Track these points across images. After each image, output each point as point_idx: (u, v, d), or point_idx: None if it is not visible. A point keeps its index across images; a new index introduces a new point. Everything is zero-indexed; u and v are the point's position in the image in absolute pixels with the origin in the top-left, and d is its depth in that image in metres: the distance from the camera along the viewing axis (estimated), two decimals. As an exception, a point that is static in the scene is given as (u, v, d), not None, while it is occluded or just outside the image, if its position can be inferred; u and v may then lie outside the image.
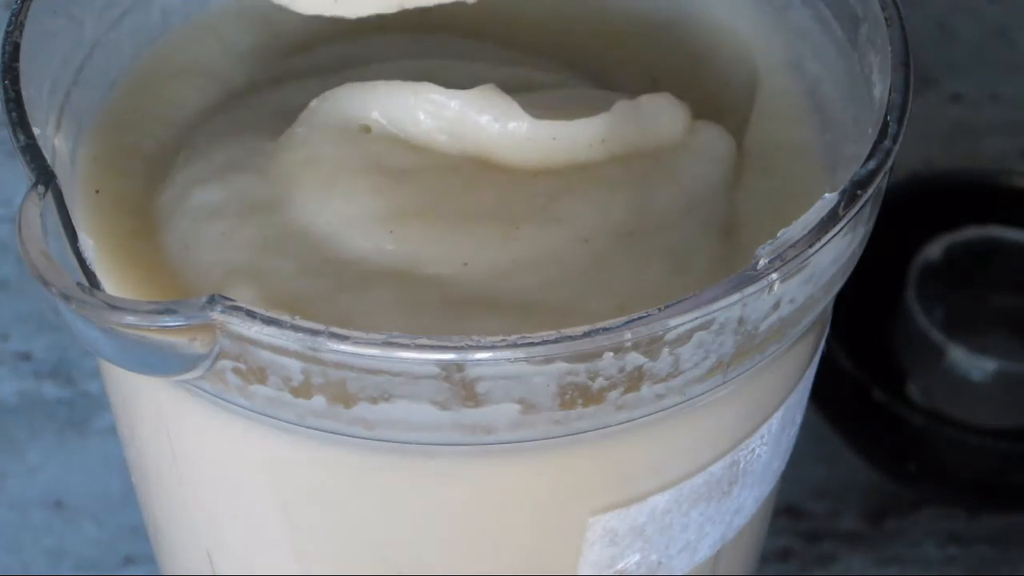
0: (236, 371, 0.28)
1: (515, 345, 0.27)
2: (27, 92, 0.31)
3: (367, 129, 0.33)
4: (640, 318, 0.28)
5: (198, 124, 0.35)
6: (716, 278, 0.29)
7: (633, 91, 0.35)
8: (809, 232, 0.29)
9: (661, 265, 0.31)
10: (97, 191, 0.33)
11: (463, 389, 0.28)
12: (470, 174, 0.32)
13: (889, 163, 0.30)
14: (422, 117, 0.33)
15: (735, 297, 0.28)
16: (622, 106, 0.33)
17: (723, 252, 0.32)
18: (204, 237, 0.32)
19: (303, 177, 0.32)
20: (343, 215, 0.32)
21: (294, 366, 0.28)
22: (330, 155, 0.33)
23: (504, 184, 0.32)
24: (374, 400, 0.28)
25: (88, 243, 0.30)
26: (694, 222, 0.32)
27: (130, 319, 0.28)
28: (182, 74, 0.36)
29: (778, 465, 0.35)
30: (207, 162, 0.33)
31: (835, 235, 0.29)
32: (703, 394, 0.30)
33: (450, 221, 0.32)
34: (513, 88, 0.33)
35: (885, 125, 0.30)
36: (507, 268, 0.31)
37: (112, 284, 0.31)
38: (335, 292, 0.31)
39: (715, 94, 0.36)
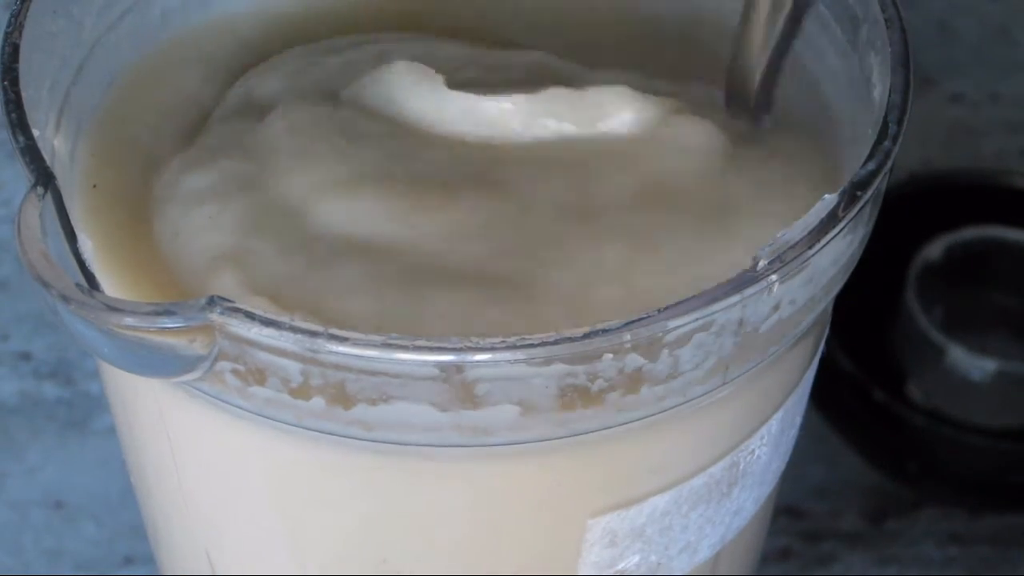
0: (235, 372, 0.28)
1: (514, 347, 0.27)
2: (26, 93, 0.31)
3: (335, 99, 0.34)
4: (639, 319, 0.28)
5: (197, 117, 0.35)
6: (690, 264, 0.29)
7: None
8: (809, 233, 0.29)
9: (620, 246, 0.31)
10: (95, 185, 0.33)
11: (462, 390, 0.28)
12: (421, 139, 0.33)
13: (889, 164, 0.30)
14: (369, 89, 0.34)
15: (735, 298, 0.28)
16: (556, 92, 0.33)
17: (708, 241, 0.32)
18: (193, 222, 0.32)
19: (280, 147, 0.33)
20: (310, 182, 0.32)
21: (293, 367, 0.28)
22: (306, 124, 0.33)
23: (450, 150, 0.33)
24: (373, 401, 0.28)
25: (87, 244, 0.30)
26: (662, 209, 0.32)
27: (129, 320, 0.28)
28: (184, 67, 0.36)
29: (778, 466, 0.35)
30: (197, 147, 0.34)
31: (835, 236, 0.29)
32: (703, 395, 0.30)
33: (397, 185, 0.32)
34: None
35: (885, 126, 0.30)
36: (452, 233, 0.31)
37: (111, 280, 0.31)
38: (308, 273, 0.31)
39: (714, 92, 0.36)
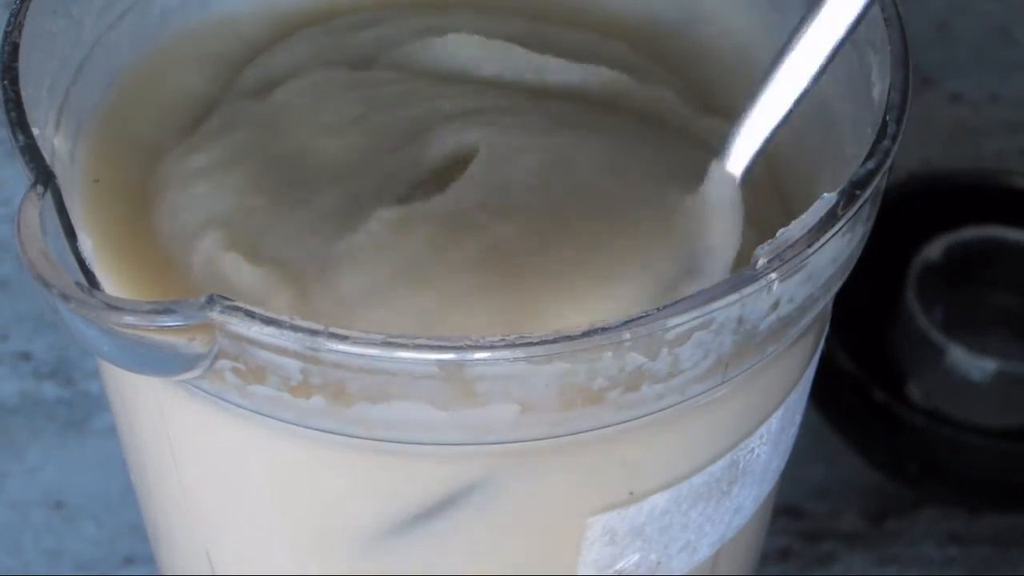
0: (235, 371, 0.28)
1: (514, 345, 0.27)
2: (26, 92, 0.31)
3: (369, 66, 0.35)
4: (639, 318, 0.28)
5: (198, 114, 0.35)
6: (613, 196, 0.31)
7: None
8: (808, 232, 0.29)
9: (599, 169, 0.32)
10: (96, 180, 0.33)
11: (462, 389, 0.28)
12: (447, 84, 0.34)
13: (888, 163, 0.30)
14: (421, 52, 0.35)
15: (734, 297, 0.28)
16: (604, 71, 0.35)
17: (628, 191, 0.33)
18: (190, 198, 0.32)
19: (294, 106, 0.34)
20: (319, 123, 0.33)
21: (293, 366, 0.28)
22: (327, 85, 0.34)
23: (469, 93, 0.34)
24: (373, 400, 0.28)
25: (87, 243, 0.30)
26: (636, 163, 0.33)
27: (129, 319, 0.28)
28: (184, 65, 0.36)
29: (778, 465, 0.35)
30: (201, 133, 0.34)
31: (834, 235, 0.29)
32: (702, 394, 0.30)
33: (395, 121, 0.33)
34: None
35: (884, 125, 0.30)
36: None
37: (111, 279, 0.31)
38: (286, 218, 0.31)
39: (713, 93, 0.36)
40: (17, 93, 0.31)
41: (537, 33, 0.36)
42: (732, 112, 0.35)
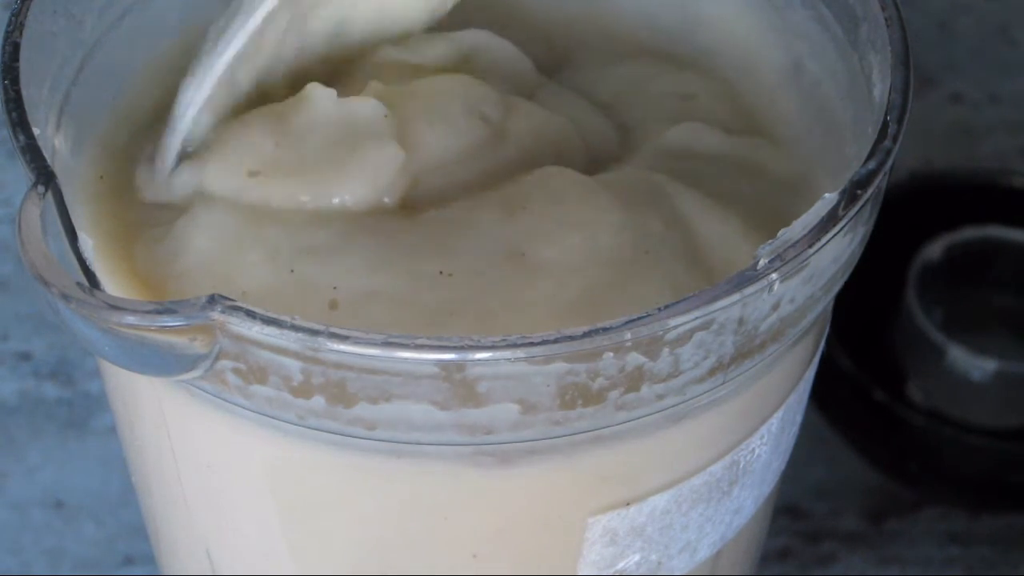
0: (236, 371, 0.28)
1: (515, 345, 0.27)
2: (27, 92, 0.31)
3: None
4: (640, 318, 0.28)
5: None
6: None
7: (628, 85, 0.35)
8: (809, 232, 0.29)
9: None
10: (101, 177, 0.33)
11: (463, 389, 0.28)
12: None
13: (889, 163, 0.30)
14: None
15: (735, 297, 0.28)
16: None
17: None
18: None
19: None
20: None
21: (294, 366, 0.28)
22: None
23: None
24: (374, 400, 0.28)
25: (88, 243, 0.30)
26: None
27: (130, 319, 0.28)
28: (185, 66, 0.36)
29: (778, 465, 0.35)
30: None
31: (835, 235, 0.29)
32: (703, 394, 0.30)
33: None
34: None
35: (885, 125, 0.31)
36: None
37: (112, 279, 0.31)
38: None
39: (713, 93, 0.36)
40: (18, 93, 0.31)
41: None
42: (729, 113, 0.36)
